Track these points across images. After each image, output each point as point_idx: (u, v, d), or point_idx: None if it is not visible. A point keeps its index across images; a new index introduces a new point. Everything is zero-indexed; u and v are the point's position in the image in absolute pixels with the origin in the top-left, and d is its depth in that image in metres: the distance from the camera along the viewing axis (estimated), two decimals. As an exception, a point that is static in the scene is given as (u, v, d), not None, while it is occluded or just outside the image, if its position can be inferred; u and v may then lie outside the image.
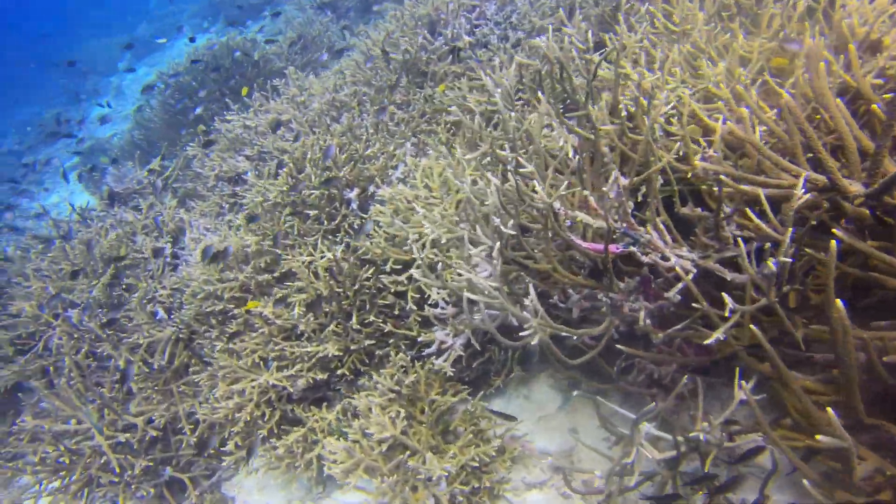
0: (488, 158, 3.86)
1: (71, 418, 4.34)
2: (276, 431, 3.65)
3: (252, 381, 3.67)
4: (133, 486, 3.83)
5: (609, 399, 3.11)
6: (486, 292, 2.44)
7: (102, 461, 3.94)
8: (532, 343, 2.32)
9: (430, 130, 4.60)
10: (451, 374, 3.24)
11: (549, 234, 2.45)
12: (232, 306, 4.05)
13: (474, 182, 3.74)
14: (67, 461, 3.90)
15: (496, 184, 2.44)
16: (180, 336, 4.32)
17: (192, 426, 4.04)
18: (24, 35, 24.13)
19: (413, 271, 3.09)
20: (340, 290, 3.64)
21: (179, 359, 4.33)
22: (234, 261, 4.18)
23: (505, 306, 2.41)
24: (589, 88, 2.78)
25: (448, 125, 4.50)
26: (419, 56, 5.11)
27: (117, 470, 3.80)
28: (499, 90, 2.86)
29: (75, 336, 4.80)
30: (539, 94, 2.82)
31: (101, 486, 4.14)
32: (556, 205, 2.55)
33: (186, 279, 4.54)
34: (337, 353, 3.56)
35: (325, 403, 3.78)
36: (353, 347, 3.61)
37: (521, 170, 2.44)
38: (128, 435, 3.96)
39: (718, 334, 1.99)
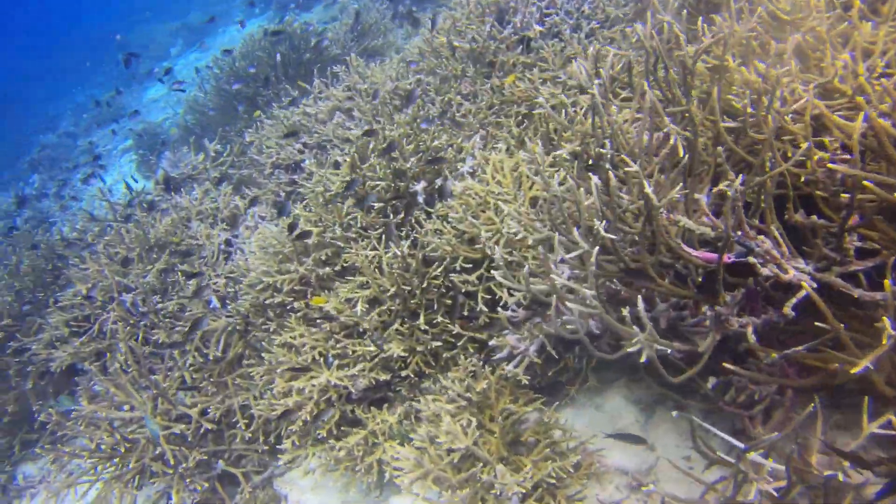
0: (564, 154, 3.65)
1: (125, 404, 4.28)
2: (334, 432, 3.51)
3: (312, 378, 3.53)
4: (188, 480, 3.74)
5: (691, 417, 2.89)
6: (588, 302, 2.24)
7: (157, 452, 3.86)
8: (641, 360, 2.11)
9: (499, 123, 4.40)
10: (526, 382, 3.05)
11: (655, 241, 2.23)
12: (291, 299, 3.92)
13: (559, 180, 3.54)
14: (123, 450, 3.83)
15: (597, 183, 2.23)
16: (236, 327, 4.21)
17: (246, 420, 3.93)
18: (82, 20, 24.63)
19: (495, 273, 2.89)
20: (408, 287, 3.47)
21: (234, 350, 4.23)
22: (292, 252, 4.05)
23: (604, 317, 2.20)
24: (686, 82, 2.54)
25: (519, 117, 4.29)
26: (487, 45, 4.90)
27: (171, 462, 3.71)
28: (597, 81, 2.65)
29: (131, 322, 4.75)
30: (645, 86, 2.59)
31: (154, 476, 4.07)
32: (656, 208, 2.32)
33: (243, 269, 4.44)
34: (402, 354, 3.40)
35: (385, 405, 3.62)
36: (418, 349, 3.44)
37: (627, 169, 2.23)
38: (182, 426, 3.87)
39: (867, 362, 1.75)
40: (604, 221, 2.40)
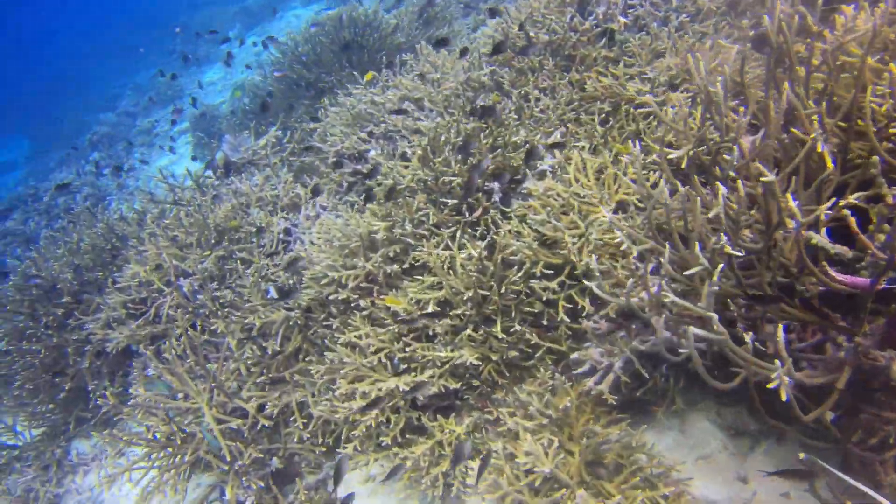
0: (654, 159, 3.39)
1: (180, 393, 4.19)
2: (399, 440, 3.34)
3: (377, 382, 3.36)
4: (243, 478, 3.62)
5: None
6: (715, 328, 1.99)
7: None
8: (783, 399, 1.85)
9: (578, 120, 4.15)
10: (614, 402, 2.82)
11: (788, 259, 1.98)
12: (356, 296, 3.75)
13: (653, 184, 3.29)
14: (179, 441, 3.73)
15: (724, 193, 1.98)
16: (297, 322, 4.07)
17: (304, 420, 3.79)
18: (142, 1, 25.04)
19: (591, 284, 2.66)
20: (484, 291, 3.26)
21: (293, 344, 4.09)
22: (358, 247, 3.88)
23: (731, 346, 1.95)
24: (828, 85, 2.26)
25: (602, 115, 4.04)
26: (567, 37, 4.64)
27: (228, 457, 3.59)
28: (720, 79, 2.38)
29: (190, 310, 4.66)
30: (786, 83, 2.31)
31: (209, 470, 3.97)
32: (793, 224, 2.06)
33: (305, 260, 4.30)
34: (475, 363, 3.19)
35: (452, 414, 3.43)
36: (493, 357, 3.23)
37: (763, 179, 1.97)
38: (239, 422, 3.74)
39: None
40: (724, 236, 2.15)
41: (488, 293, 3.28)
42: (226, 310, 4.56)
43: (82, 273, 5.93)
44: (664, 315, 2.34)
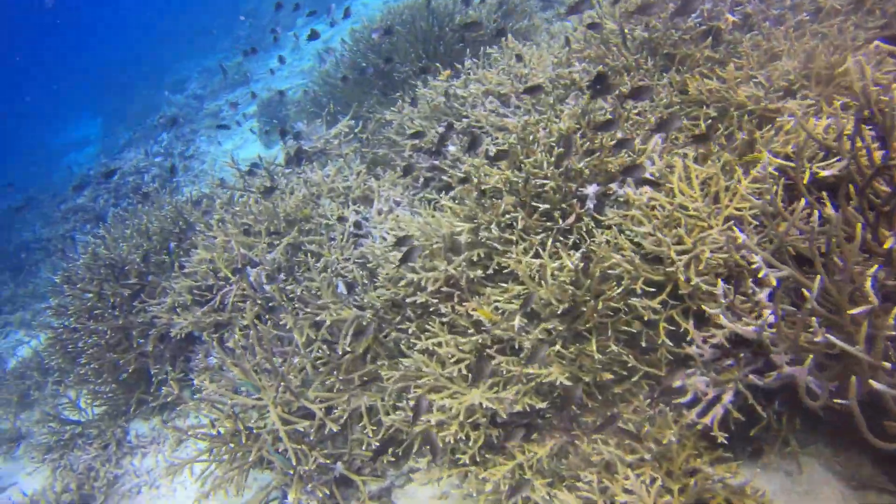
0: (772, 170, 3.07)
1: (244, 387, 4.07)
2: (477, 459, 3.12)
3: (455, 394, 3.15)
4: (308, 484, 3.47)
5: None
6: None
7: (280, 447, 3.61)
8: None
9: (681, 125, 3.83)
10: (724, 440, 2.54)
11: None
12: (436, 300, 3.55)
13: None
14: (245, 439, 3.60)
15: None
16: (369, 322, 3.89)
17: (374, 427, 3.61)
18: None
19: (716, 312, 2.39)
20: (578, 306, 3.01)
21: (363, 345, 3.92)
22: (440, 248, 3.67)
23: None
24: None
25: (707, 120, 3.72)
26: (668, 35, 4.32)
27: (293, 461, 3.44)
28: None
29: (258, 301, 4.55)
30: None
31: (272, 470, 3.85)
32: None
33: (378, 256, 4.12)
34: (565, 382, 2.94)
35: (534, 434, 3.19)
36: (585, 378, 2.98)
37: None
38: (306, 423, 3.59)
39: None
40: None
41: (583, 308, 3.03)
42: (294, 303, 4.42)
43: (150, 256, 5.91)
44: (810, 358, 2.05)
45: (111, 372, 5.65)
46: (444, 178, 4.61)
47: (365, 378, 3.80)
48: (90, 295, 5.88)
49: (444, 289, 3.53)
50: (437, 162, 4.82)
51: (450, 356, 3.25)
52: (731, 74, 3.79)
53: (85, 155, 18.60)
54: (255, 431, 3.65)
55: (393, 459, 3.60)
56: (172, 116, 12.11)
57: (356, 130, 6.02)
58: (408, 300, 3.62)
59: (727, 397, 2.67)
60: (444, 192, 4.52)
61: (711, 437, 2.73)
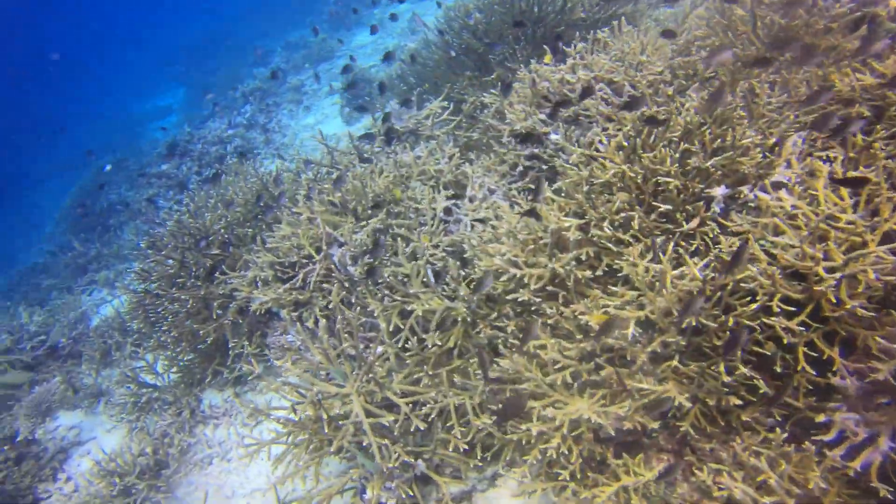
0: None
1: (323, 371, 3.95)
2: (577, 476, 2.88)
3: (558, 404, 2.91)
4: (391, 482, 3.31)
5: None
6: None
7: (360, 439, 3.47)
8: None
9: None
10: (888, 493, 2.21)
11: None
12: (539, 299, 3.31)
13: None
14: (328, 429, 3.47)
15: None
16: (461, 317, 3.69)
17: (463, 428, 3.41)
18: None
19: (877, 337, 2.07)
20: (705, 320, 2.71)
21: (454, 340, 3.72)
22: (546, 244, 3.42)
23: None
24: None
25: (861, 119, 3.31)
26: (811, 22, 3.90)
27: (377, 457, 3.28)
28: None
29: (346, 284, 4.41)
30: None
31: (348, 459, 3.72)
32: None
33: (472, 246, 3.90)
34: (684, 403, 2.66)
35: (639, 455, 2.93)
36: (709, 402, 2.69)
37: None
38: (391, 417, 3.43)
39: None
40: None
41: (711, 323, 2.73)
42: (379, 288, 4.27)
43: (233, 227, 5.88)
44: None
45: (190, 341, 5.67)
46: (546, 167, 4.34)
47: (454, 375, 3.61)
48: (173, 262, 5.91)
49: (550, 288, 3.28)
50: (537, 150, 4.56)
51: (553, 362, 3.01)
52: (892, 69, 3.37)
53: (168, 123, 19.11)
54: (339, 422, 3.51)
55: (480, 464, 3.40)
56: (255, 88, 12.22)
57: (448, 112, 5.80)
58: (508, 297, 3.39)
59: (885, 441, 2.34)
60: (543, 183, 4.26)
61: (865, 486, 2.41)
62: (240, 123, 11.16)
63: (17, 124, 28.64)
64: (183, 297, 5.52)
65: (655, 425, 2.78)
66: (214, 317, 5.56)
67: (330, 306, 4.55)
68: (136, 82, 25.80)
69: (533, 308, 3.35)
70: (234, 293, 5.48)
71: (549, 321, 3.18)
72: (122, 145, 16.88)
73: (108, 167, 11.74)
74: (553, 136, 4.41)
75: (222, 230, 5.81)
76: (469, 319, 3.63)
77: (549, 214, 3.42)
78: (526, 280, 3.34)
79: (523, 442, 2.98)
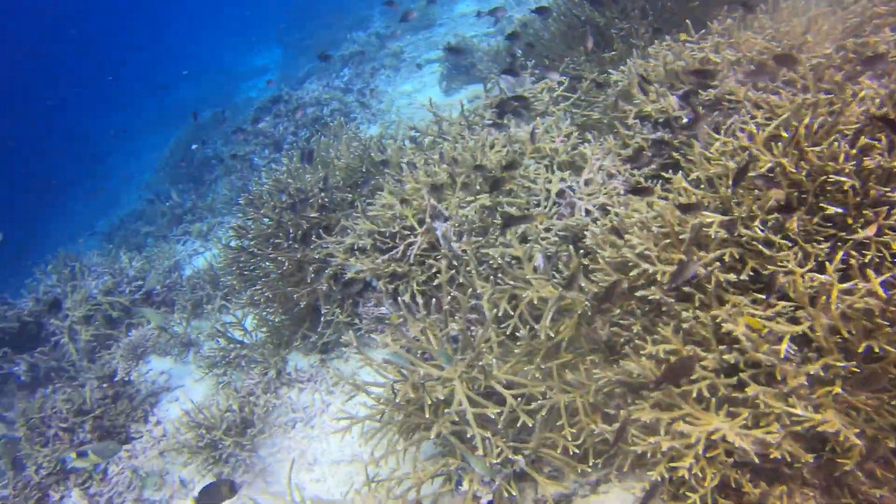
0: None
1: (419, 349, 3.77)
2: (708, 502, 2.59)
3: (689, 419, 2.61)
4: (490, 478, 3.11)
5: None
6: None
7: (461, 428, 3.28)
8: None
9: None
10: None
11: None
12: (671, 300, 2.99)
13: None
14: (429, 415, 3.30)
15: None
16: (577, 309, 3.42)
17: (573, 430, 3.16)
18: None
19: None
20: (885, 345, 2.34)
21: (565, 332, 3.46)
22: (683, 240, 3.09)
23: None
24: None
25: None
26: None
27: (480, 449, 3.08)
28: None
29: (454, 263, 4.21)
30: None
31: (443, 445, 3.54)
32: None
33: (601, 239, 3.61)
34: (852, 439, 2.31)
35: (781, 487, 2.60)
36: (890, 444, 2.33)
37: None
38: (496, 410, 3.21)
39: None
40: None
41: (888, 348, 2.35)
42: (484, 268, 4.04)
43: (332, 191, 5.78)
44: None
45: (283, 303, 5.64)
46: (676, 154, 3.97)
47: (566, 370, 3.35)
48: (270, 221, 5.88)
49: (687, 289, 2.96)
50: (666, 134, 4.19)
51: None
52: None
53: (262, 83, 19.45)
54: (442, 409, 3.33)
55: (589, 469, 3.15)
56: (355, 52, 12.13)
57: (564, 88, 5.45)
58: (638, 293, 3.09)
59: None
60: (670, 171, 3.89)
61: None
62: (337, 87, 11.12)
63: (120, 82, 30.00)
64: (280, 258, 5.47)
65: (810, 459, 2.44)
66: (308, 280, 5.50)
67: (435, 282, 4.37)
68: (236, 42, 26.41)
69: (664, 309, 3.04)
70: (329, 258, 5.39)
71: (684, 325, 2.86)
72: (219, 102, 17.30)
73: (195, 146, 12.01)
74: (687, 121, 4.02)
75: (321, 193, 5.71)
76: (589, 313, 3.35)
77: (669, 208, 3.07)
78: (658, 277, 3.03)
79: (648, 455, 2.70)
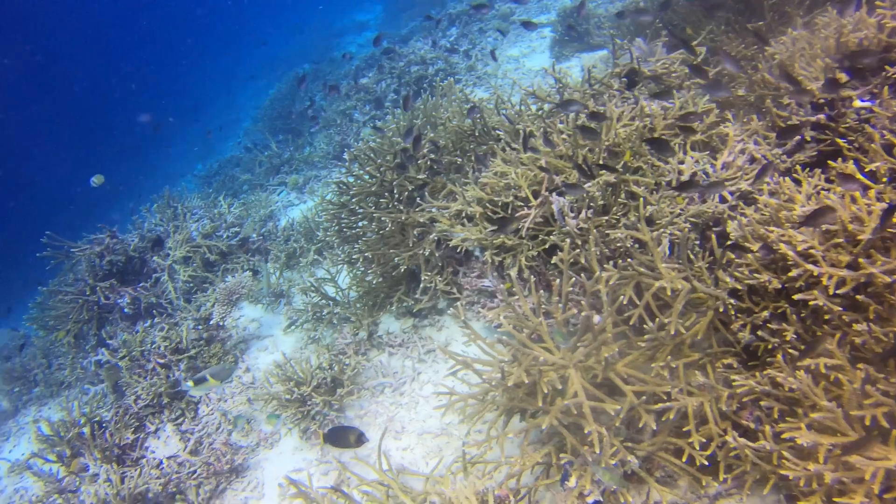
0: None
1: (526, 329, 3.53)
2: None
3: (861, 448, 2.27)
4: (598, 474, 2.86)
5: None
6: None
7: (575, 420, 3.04)
8: None
9: None
10: None
11: None
12: (839, 308, 2.61)
13: None
14: (541, 401, 3.07)
15: None
16: (717, 306, 3.09)
17: (701, 439, 2.86)
18: None
19: None
20: None
21: (694, 331, 3.13)
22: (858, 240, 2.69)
23: None
24: None
25: None
26: None
27: (595, 447, 2.84)
28: None
29: (578, 243, 3.93)
30: None
31: (552, 435, 3.32)
32: None
33: (748, 226, 3.24)
34: None
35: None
36: None
37: None
38: (616, 407, 2.95)
39: None
40: None
41: None
42: (610, 251, 3.74)
43: (442, 153, 5.56)
44: None
45: (382, 265, 5.52)
46: (838, 141, 3.50)
47: (694, 371, 3.04)
48: (373, 179, 5.73)
49: (862, 298, 2.57)
50: (827, 117, 3.71)
51: (858, 392, 2.34)
52: None
53: (364, 38, 19.36)
54: (551, 397, 3.10)
55: (716, 483, 2.86)
56: (462, 12, 11.77)
57: (697, 59, 4.97)
58: (796, 297, 2.72)
59: None
60: (832, 159, 3.44)
61: None
62: (443, 46, 10.83)
63: (228, 37, 30.90)
64: (384, 218, 5.33)
65: None
66: (410, 244, 5.34)
67: (553, 260, 4.09)
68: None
69: (826, 317, 2.67)
70: (432, 223, 5.20)
71: (857, 340, 2.49)
72: (320, 56, 17.36)
73: (308, 105, 12.05)
74: (860, 103, 3.54)
75: (430, 154, 5.50)
76: (731, 312, 3.02)
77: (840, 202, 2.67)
78: (824, 281, 2.65)
79: (801, 483, 2.38)
